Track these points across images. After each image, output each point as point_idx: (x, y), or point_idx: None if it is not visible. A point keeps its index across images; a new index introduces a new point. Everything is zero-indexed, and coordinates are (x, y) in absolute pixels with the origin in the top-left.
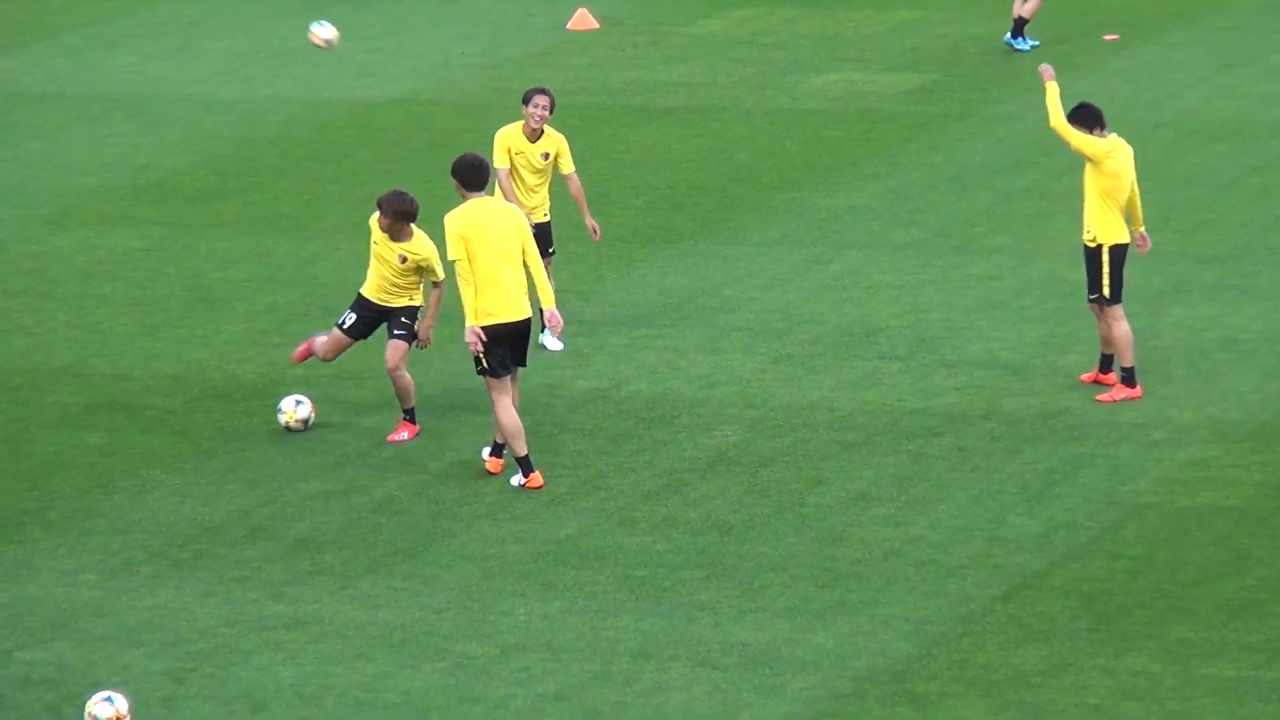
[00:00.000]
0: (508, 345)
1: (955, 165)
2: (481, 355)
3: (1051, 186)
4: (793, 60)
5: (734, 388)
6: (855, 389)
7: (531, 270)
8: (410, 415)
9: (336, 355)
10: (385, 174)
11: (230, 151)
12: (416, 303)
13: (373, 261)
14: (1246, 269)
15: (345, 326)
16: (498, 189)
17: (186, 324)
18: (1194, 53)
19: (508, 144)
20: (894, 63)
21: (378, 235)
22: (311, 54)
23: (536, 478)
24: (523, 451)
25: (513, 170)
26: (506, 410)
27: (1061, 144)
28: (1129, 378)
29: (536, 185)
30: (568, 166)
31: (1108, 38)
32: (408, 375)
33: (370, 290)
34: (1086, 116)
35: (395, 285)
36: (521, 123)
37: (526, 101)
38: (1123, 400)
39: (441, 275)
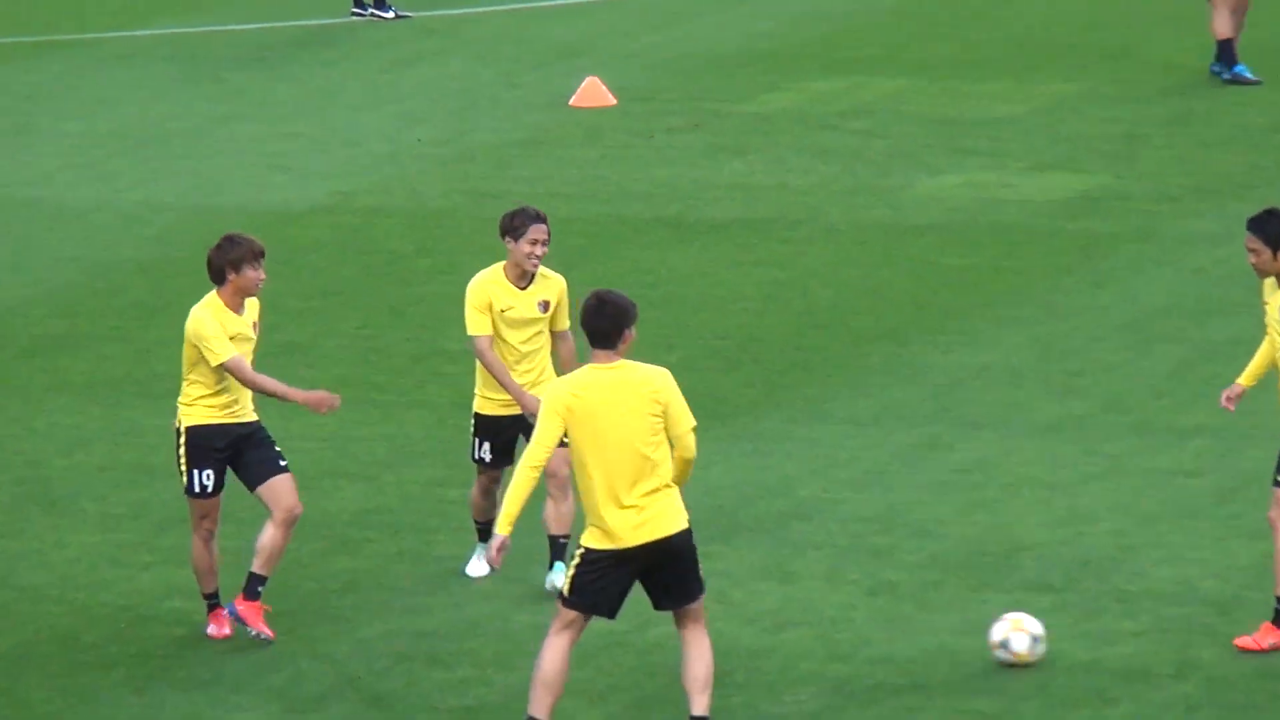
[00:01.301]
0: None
1: (1133, 308)
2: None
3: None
4: (897, 153)
5: (813, 630)
6: (989, 634)
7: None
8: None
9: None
10: (305, 315)
11: (82, 281)
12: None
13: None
14: None
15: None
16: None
17: (14, 533)
18: None
19: (487, 297)
20: (1043, 158)
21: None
22: (203, 137)
23: None
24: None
25: (495, 334)
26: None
27: None
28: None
29: (530, 351)
30: (564, 320)
31: None
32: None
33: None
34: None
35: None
36: (503, 264)
37: (514, 232)
38: (1273, 649)
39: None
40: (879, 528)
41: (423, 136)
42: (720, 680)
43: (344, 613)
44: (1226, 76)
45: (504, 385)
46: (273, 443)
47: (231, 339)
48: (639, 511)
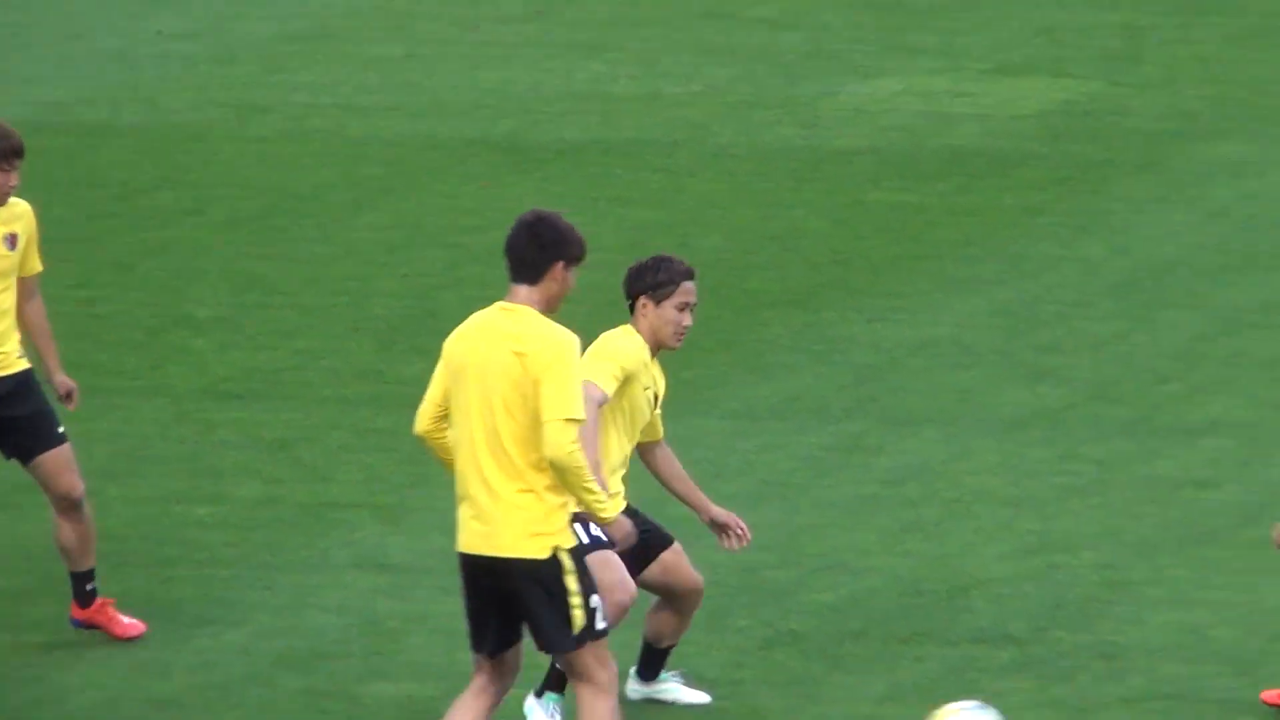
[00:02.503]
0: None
1: (1130, 263)
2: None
3: None
4: (814, 52)
5: (703, 687)
6: (927, 701)
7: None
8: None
9: None
10: None
11: None
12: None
13: None
14: None
15: None
16: None
17: None
18: None
19: None
20: (1011, 58)
21: None
22: None
23: None
24: None
25: None
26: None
27: None
28: None
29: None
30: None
31: None
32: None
33: None
34: None
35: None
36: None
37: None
38: None
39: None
40: (779, 559)
41: (164, 28)
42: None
43: (47, 672)
44: None
45: None
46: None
47: None
48: (478, 514)
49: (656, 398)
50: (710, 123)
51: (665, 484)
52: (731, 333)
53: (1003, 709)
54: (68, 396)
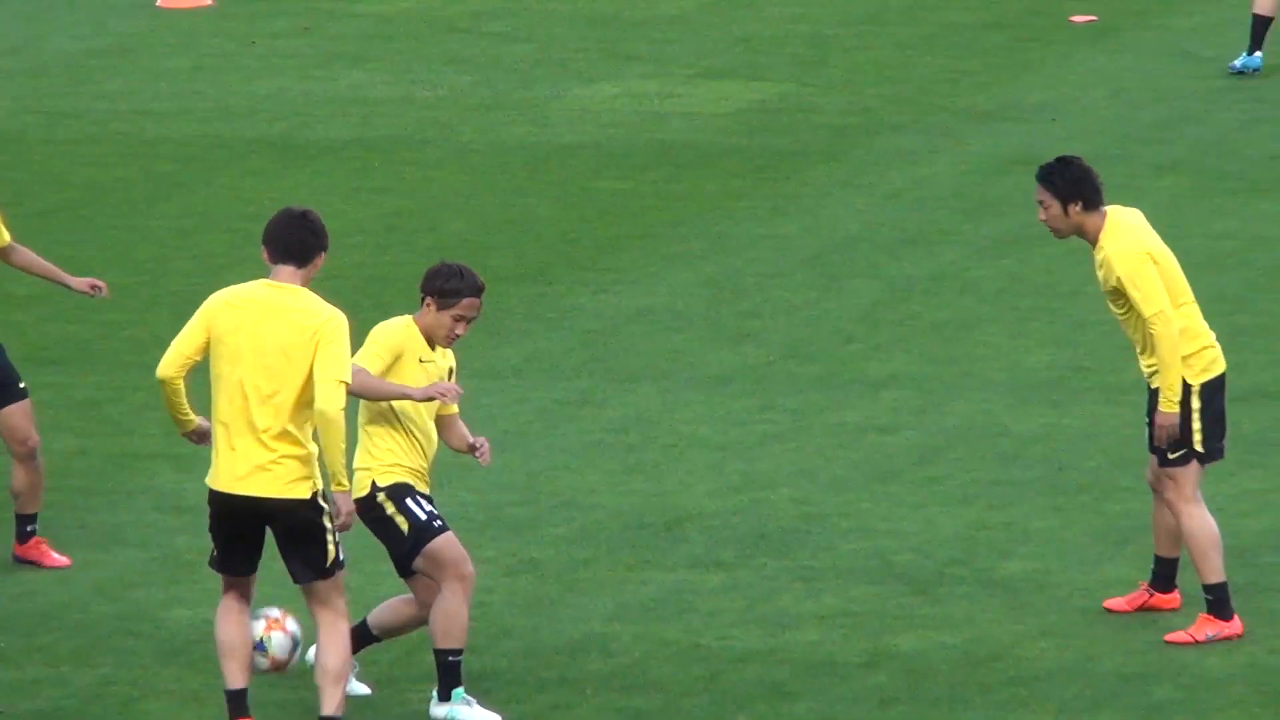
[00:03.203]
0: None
1: (819, 239)
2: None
3: (980, 274)
4: (543, 60)
5: None
6: (650, 619)
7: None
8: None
9: None
10: None
11: None
12: None
13: None
14: None
15: None
16: None
17: None
18: None
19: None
20: (715, 63)
21: None
22: None
23: None
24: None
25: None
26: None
27: (1001, 200)
28: (1218, 602)
29: None
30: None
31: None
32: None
33: None
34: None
35: None
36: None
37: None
38: (1210, 641)
39: None
40: (519, 498)
41: None
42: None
43: None
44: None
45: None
46: None
47: None
48: (246, 459)
49: (451, 372)
50: (455, 122)
51: (449, 445)
52: None
53: (715, 626)
54: (95, 289)
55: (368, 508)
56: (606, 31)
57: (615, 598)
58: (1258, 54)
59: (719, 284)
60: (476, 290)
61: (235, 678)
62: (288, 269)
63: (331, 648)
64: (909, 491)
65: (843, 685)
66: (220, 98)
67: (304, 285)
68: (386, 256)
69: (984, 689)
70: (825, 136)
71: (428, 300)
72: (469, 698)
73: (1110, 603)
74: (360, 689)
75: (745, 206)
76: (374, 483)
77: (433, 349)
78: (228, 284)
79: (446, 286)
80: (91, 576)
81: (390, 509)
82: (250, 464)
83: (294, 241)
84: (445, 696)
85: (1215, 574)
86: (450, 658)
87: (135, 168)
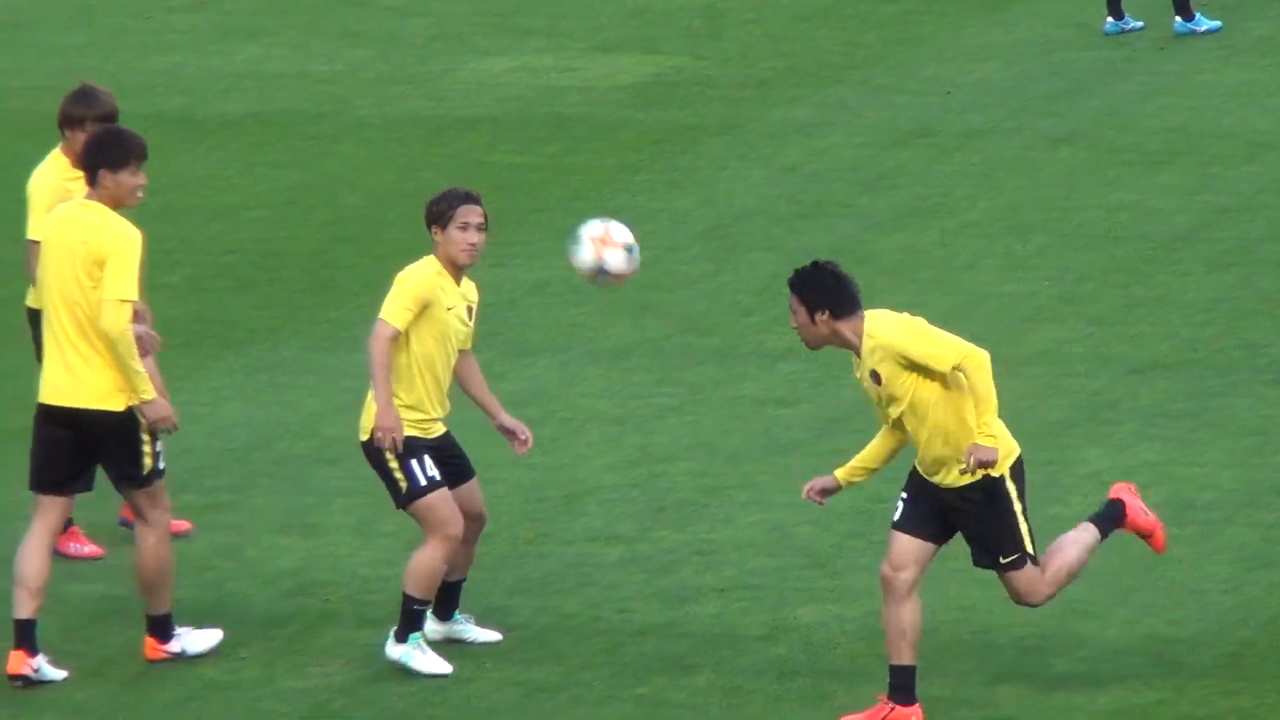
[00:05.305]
0: None
1: (716, 212)
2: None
3: (877, 247)
4: (438, 34)
5: (343, 591)
6: (549, 593)
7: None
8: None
9: None
10: None
11: None
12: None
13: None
14: (1209, 383)
15: None
16: None
17: None
18: None
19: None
20: (609, 37)
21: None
22: None
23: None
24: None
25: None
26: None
27: (897, 173)
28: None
29: None
30: None
31: None
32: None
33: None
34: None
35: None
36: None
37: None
38: None
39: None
40: None
41: None
42: (231, 649)
43: None
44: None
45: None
46: None
47: None
48: (65, 370)
49: (471, 310)
50: (351, 97)
51: (464, 388)
52: (371, 278)
53: (614, 600)
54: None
55: (373, 452)
56: (502, 5)
57: (514, 571)
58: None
59: None
60: (464, 197)
61: (24, 608)
62: (90, 190)
63: (141, 559)
64: (808, 464)
65: (742, 658)
66: (115, 73)
67: (109, 203)
68: (283, 231)
69: (883, 661)
70: (721, 109)
71: (433, 230)
72: (424, 645)
73: None
74: (486, 634)
75: (642, 180)
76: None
77: (458, 282)
78: None
79: (437, 209)
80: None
81: (393, 463)
82: (70, 376)
83: (83, 163)
84: (402, 639)
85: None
86: (415, 605)
87: (30, 144)
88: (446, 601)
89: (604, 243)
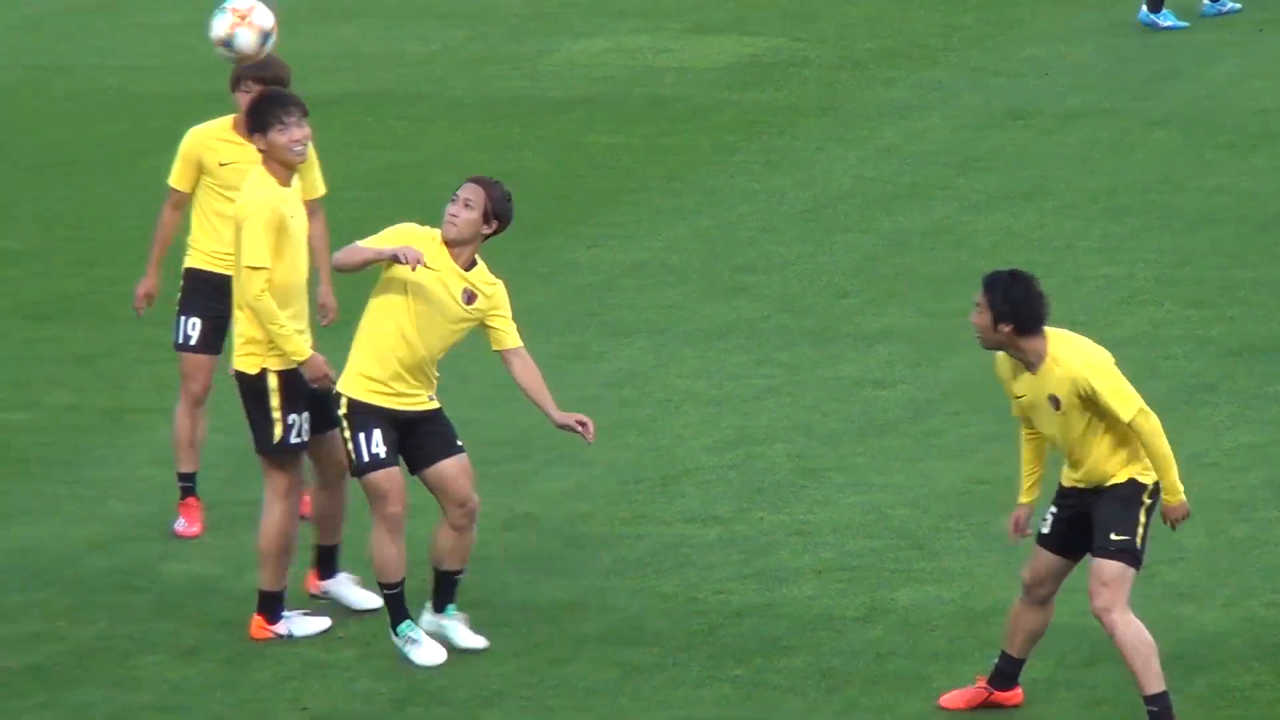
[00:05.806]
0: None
1: (811, 193)
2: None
3: (974, 228)
4: (534, 14)
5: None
6: (646, 574)
7: None
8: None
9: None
10: None
11: None
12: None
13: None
14: None
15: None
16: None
17: None
18: None
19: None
20: (706, 18)
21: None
22: None
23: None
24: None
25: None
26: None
27: (993, 155)
28: (1163, 712)
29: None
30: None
31: None
32: None
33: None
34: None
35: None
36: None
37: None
38: None
39: None
40: (513, 453)
41: None
42: (329, 629)
43: None
44: (1165, 24)
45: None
46: None
47: None
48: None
49: (473, 295)
50: (447, 77)
51: (521, 388)
52: None
53: (711, 581)
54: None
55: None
56: None
57: (612, 552)
58: (1164, 12)
59: (712, 238)
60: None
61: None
62: None
63: (262, 522)
64: (905, 446)
65: (840, 639)
66: (210, 54)
67: (266, 166)
68: (379, 211)
69: (981, 643)
70: (817, 90)
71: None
72: (416, 634)
73: (946, 699)
74: (474, 640)
75: (738, 161)
76: (339, 393)
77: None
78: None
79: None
80: (86, 531)
81: (346, 432)
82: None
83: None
84: (394, 629)
85: (1156, 683)
86: (384, 591)
87: (125, 124)
88: (439, 591)
89: (243, 18)
